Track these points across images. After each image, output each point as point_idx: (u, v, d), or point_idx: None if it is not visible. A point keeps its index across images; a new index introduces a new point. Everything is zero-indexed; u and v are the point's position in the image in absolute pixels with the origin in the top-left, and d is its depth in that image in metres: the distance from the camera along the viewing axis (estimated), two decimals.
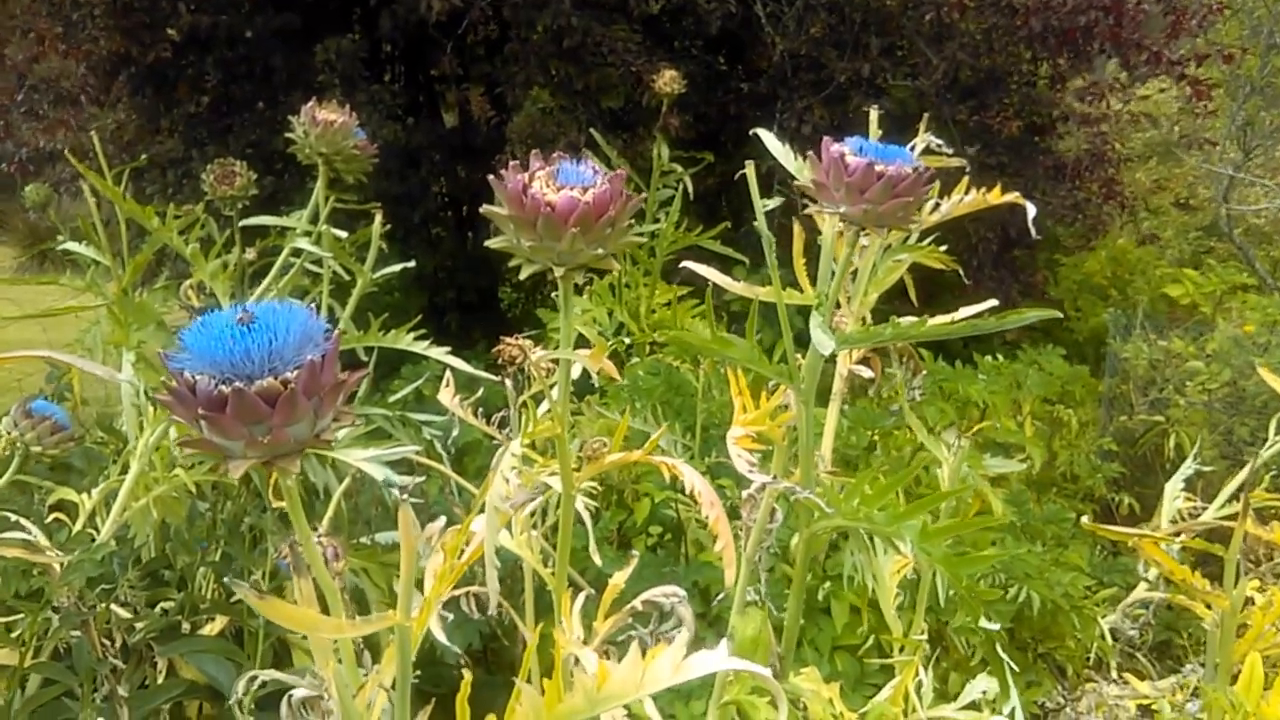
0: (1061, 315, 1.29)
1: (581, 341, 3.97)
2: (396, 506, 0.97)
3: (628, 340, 3.66)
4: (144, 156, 3.99)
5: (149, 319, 3.55)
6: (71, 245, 3.42)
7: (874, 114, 1.80)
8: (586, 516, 1.45)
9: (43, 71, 5.03)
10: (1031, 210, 1.68)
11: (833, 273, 1.41)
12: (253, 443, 0.84)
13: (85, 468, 2.50)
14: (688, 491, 1.16)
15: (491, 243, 1.08)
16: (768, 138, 1.58)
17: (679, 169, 3.89)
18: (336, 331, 0.89)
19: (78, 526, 2.22)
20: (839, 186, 1.28)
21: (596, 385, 2.89)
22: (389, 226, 2.45)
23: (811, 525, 1.38)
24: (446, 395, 1.71)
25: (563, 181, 1.05)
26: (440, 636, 1.31)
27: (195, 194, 3.76)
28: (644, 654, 0.81)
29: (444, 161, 5.12)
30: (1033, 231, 1.85)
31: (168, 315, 3.97)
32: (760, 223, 1.30)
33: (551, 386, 1.16)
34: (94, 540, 2.21)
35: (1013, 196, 1.71)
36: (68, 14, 4.10)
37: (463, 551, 1.06)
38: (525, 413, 1.09)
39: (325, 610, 0.96)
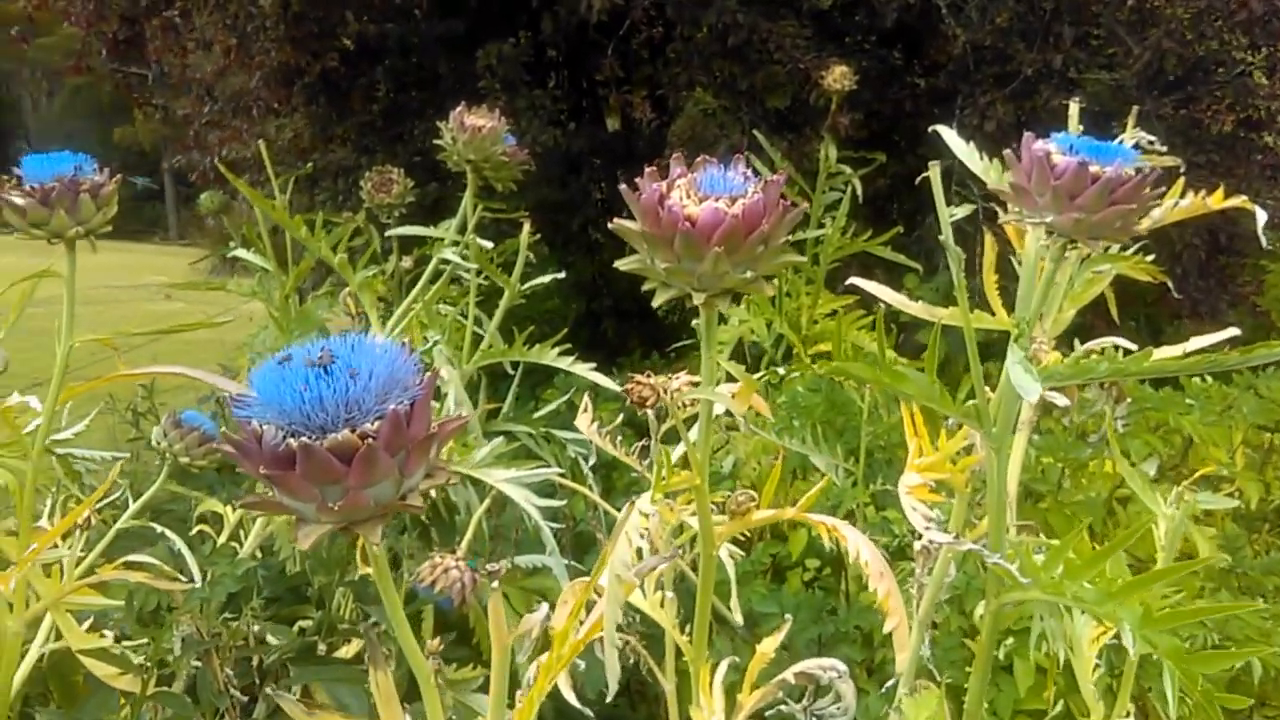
0: None
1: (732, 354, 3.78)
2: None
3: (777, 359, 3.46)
4: (309, 165, 4.06)
5: (311, 325, 3.58)
6: (240, 252, 3.49)
7: (1074, 107, 1.55)
8: (730, 565, 1.27)
9: (227, 86, 5.22)
10: (1262, 216, 1.42)
11: (1033, 295, 1.18)
12: (325, 508, 0.70)
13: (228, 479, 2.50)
14: (852, 559, 0.97)
15: (622, 264, 0.92)
16: (949, 135, 1.36)
17: (847, 170, 3.66)
18: (429, 375, 0.74)
19: (222, 539, 2.21)
20: (1043, 191, 1.06)
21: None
22: (544, 234, 2.34)
23: (1002, 596, 1.16)
24: (584, 421, 1.57)
25: (707, 191, 0.88)
26: (569, 696, 1.17)
27: (361, 202, 3.80)
28: None
29: (605, 167, 5.03)
30: (1263, 241, 1.58)
31: (331, 321, 4.03)
32: (946, 235, 1.09)
33: (688, 424, 1.00)
34: (236, 554, 2.19)
35: (1238, 200, 1.45)
36: (242, 26, 4.22)
37: (581, 621, 0.90)
38: (660, 459, 0.93)
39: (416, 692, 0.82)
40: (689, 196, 0.87)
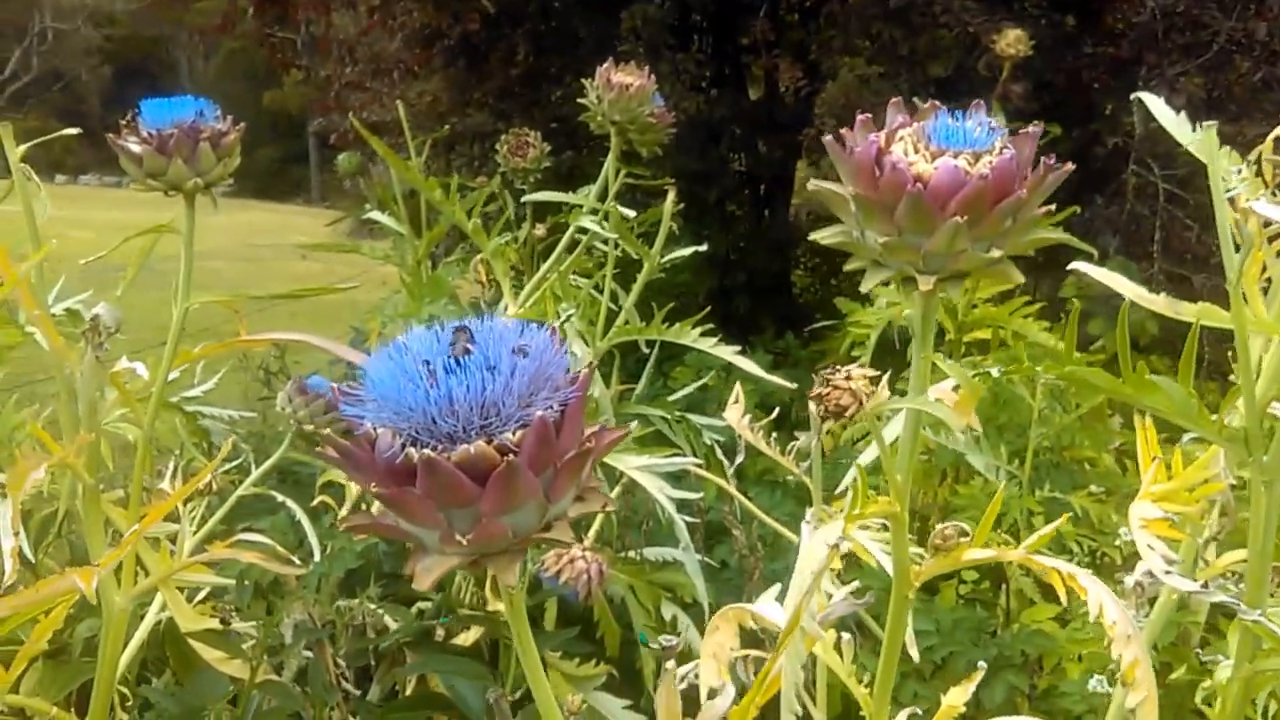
0: None
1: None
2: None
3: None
4: (446, 129, 3.97)
5: (442, 292, 3.50)
6: (375, 214, 3.42)
7: None
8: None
9: (368, 48, 5.21)
10: None
11: None
12: (450, 538, 0.55)
13: None
14: (1093, 616, 0.76)
15: (823, 236, 0.74)
16: (1155, 104, 1.11)
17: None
18: (584, 371, 0.58)
19: (343, 511, 2.12)
20: None
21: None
22: (682, 205, 2.17)
23: (1259, 662, 0.94)
24: (734, 414, 1.40)
25: (941, 144, 0.69)
26: None
27: (497, 167, 3.70)
28: None
29: (746, 136, 4.82)
30: None
31: (461, 289, 3.95)
32: (1222, 219, 0.87)
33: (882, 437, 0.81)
34: None
35: None
36: None
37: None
38: (857, 484, 0.74)
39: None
40: (916, 150, 0.68)
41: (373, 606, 1.90)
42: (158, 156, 1.22)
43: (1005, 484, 2.44)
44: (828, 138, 0.71)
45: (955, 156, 0.67)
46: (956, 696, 0.99)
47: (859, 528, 1.04)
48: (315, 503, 2.08)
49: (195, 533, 1.62)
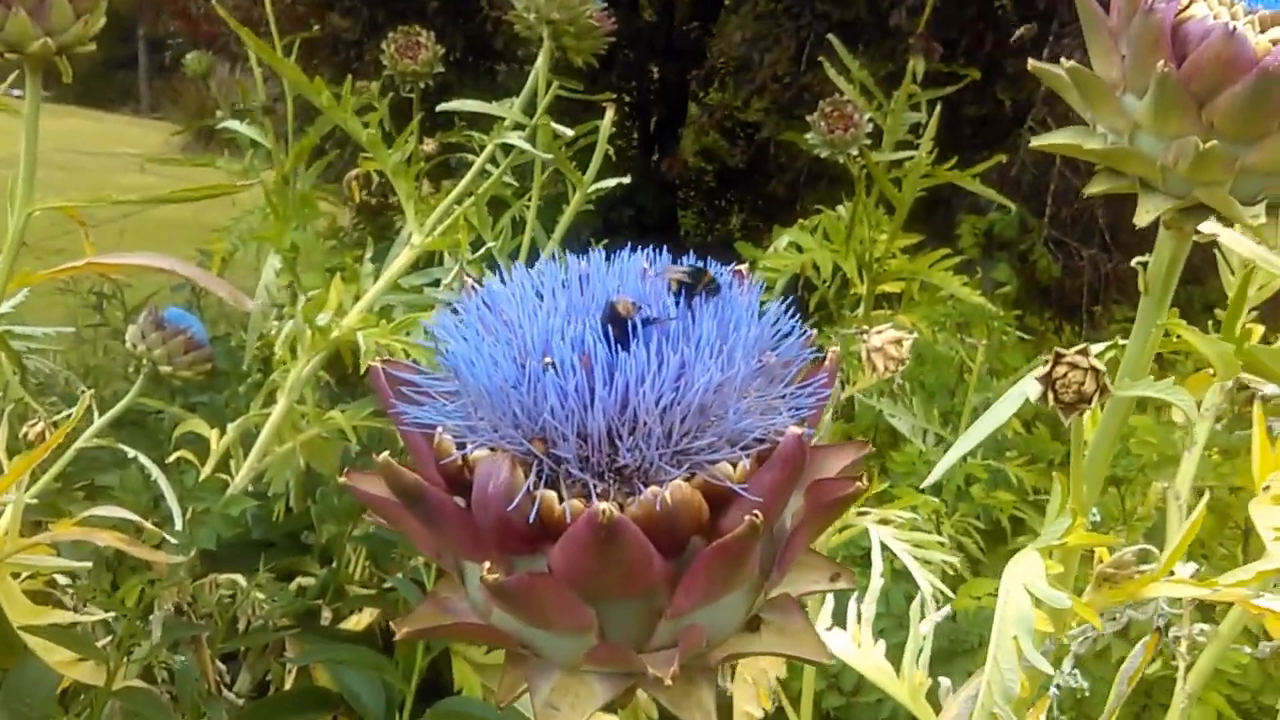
0: None
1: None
2: None
3: None
4: (315, 28, 3.55)
5: (312, 214, 3.12)
6: (231, 124, 3.01)
7: None
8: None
9: None
10: None
11: None
12: (606, 652, 0.29)
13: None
14: None
15: (1049, 141, 0.50)
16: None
17: (920, 92, 3.20)
18: (831, 354, 0.32)
19: (207, 470, 1.78)
20: None
21: None
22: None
23: None
24: None
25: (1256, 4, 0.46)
26: None
27: (372, 75, 3.31)
28: None
29: (638, 61, 4.54)
30: None
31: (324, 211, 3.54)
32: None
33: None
34: (227, 488, 1.78)
35: None
36: None
37: None
38: (1063, 497, 0.52)
39: None
40: (1231, 13, 0.45)
41: (242, 582, 1.59)
42: None
43: (934, 448, 2.31)
44: None
45: None
46: None
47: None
48: (172, 459, 1.73)
49: (28, 489, 1.28)
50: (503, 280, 0.35)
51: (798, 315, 0.43)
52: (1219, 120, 0.47)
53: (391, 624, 1.71)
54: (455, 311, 0.33)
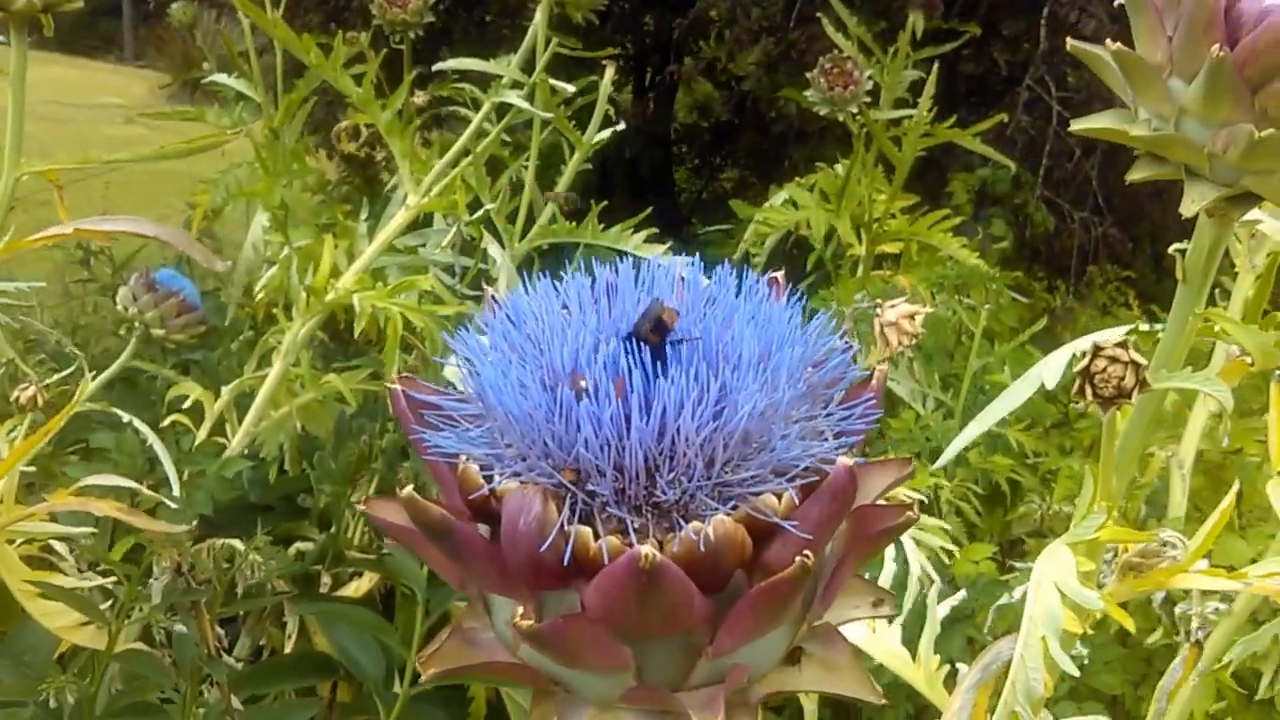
0: None
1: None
2: None
3: None
4: None
5: (303, 169, 3.06)
6: (219, 77, 2.95)
7: None
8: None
9: None
10: None
11: None
12: (644, 690, 0.27)
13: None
14: None
15: (1091, 125, 0.48)
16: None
17: (915, 53, 3.15)
18: (879, 371, 0.31)
19: (202, 434, 1.77)
20: None
21: None
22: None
23: None
24: None
25: None
26: None
27: (359, 25, 3.24)
28: None
29: (633, 11, 4.45)
30: None
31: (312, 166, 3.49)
32: None
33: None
34: (223, 452, 1.76)
35: None
36: None
37: None
38: (1091, 493, 0.51)
39: None
40: None
41: (240, 547, 1.58)
42: None
43: (933, 412, 2.30)
44: None
45: None
46: None
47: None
48: (166, 423, 1.72)
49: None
50: (526, 290, 0.33)
51: (794, 278, 0.41)
52: (1275, 107, 0.45)
53: (394, 585, 1.71)
54: (480, 331, 0.32)
